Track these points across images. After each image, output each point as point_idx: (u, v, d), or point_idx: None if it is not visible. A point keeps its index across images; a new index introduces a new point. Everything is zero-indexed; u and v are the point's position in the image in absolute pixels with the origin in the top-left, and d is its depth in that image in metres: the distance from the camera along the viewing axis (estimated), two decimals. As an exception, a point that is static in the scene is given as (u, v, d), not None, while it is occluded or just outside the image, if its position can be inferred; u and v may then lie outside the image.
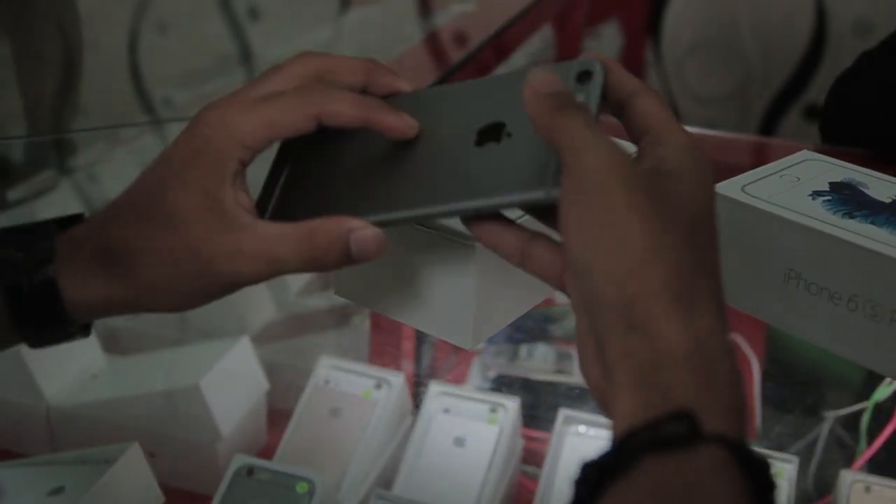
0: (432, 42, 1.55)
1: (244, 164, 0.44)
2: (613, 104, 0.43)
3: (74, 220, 0.48)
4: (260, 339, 0.91)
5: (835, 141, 0.99)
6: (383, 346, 0.92)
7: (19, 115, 1.31)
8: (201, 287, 0.44)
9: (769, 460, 0.33)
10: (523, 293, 0.55)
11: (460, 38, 1.52)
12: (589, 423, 0.80)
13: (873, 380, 0.82)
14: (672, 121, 0.41)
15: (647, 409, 0.33)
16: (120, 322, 0.97)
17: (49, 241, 0.45)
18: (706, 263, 0.36)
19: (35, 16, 1.33)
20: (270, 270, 0.44)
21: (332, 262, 0.43)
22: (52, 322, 0.45)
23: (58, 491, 0.70)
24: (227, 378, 0.83)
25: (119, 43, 2.41)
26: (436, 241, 0.49)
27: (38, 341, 0.47)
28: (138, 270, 0.44)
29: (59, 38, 1.36)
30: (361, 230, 0.43)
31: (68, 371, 0.86)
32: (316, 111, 0.43)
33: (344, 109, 0.44)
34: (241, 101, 0.44)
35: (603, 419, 0.79)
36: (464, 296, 0.49)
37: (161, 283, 0.44)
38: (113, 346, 0.94)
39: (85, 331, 0.48)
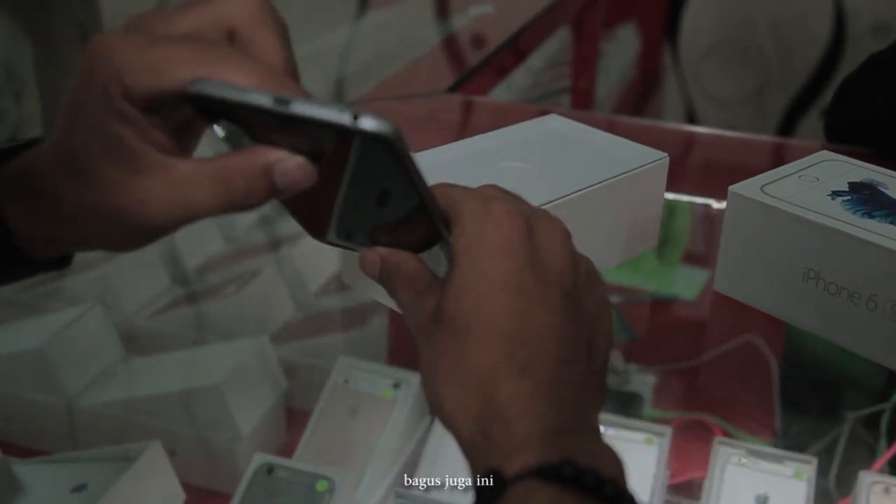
0: (449, 45, 1.56)
1: (141, 102, 0.38)
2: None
3: (23, 147, 0.44)
4: (279, 339, 0.91)
5: (838, 141, 0.99)
6: (401, 346, 0.92)
7: (38, 117, 1.33)
8: (125, 233, 0.41)
9: (574, 462, 0.36)
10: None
11: (478, 41, 1.52)
12: (607, 424, 0.80)
13: (894, 380, 0.81)
14: (451, 209, 0.43)
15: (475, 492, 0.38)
16: (140, 322, 0.98)
17: None
18: (475, 340, 0.40)
19: (56, 20, 1.34)
20: (187, 216, 0.39)
21: (256, 199, 0.40)
22: (4, 252, 0.43)
23: (80, 488, 0.71)
24: (246, 378, 0.84)
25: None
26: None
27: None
28: (68, 215, 0.41)
29: (79, 42, 1.37)
30: (283, 161, 0.39)
31: (90, 370, 0.87)
32: (206, 72, 0.38)
33: (239, 79, 0.38)
34: (132, 38, 0.39)
35: (621, 419, 0.80)
36: None
37: (90, 229, 0.41)
38: (133, 346, 0.95)
39: (59, 264, 0.46)
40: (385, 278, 0.44)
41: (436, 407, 0.41)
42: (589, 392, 0.41)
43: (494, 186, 0.45)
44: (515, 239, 0.41)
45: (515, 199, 0.44)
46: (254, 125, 0.40)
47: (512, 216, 0.41)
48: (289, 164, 0.39)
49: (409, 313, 0.43)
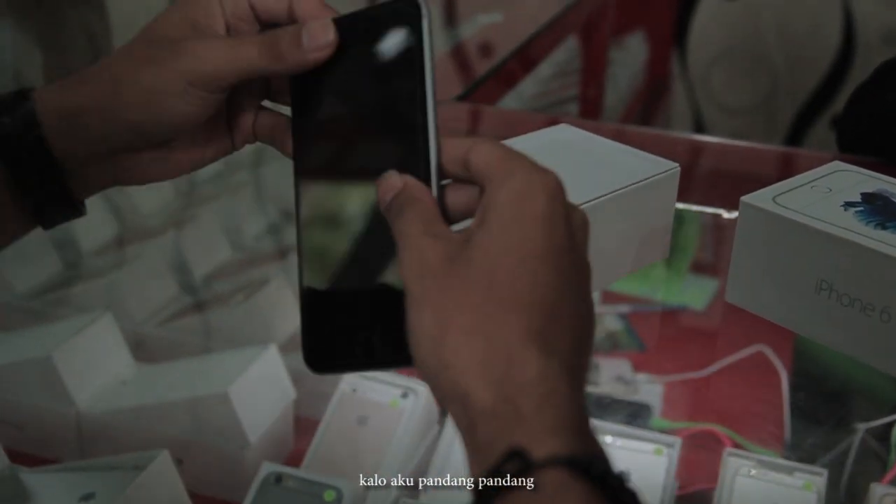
0: (458, 54, 1.56)
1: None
2: (455, 173, 0.44)
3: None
4: (287, 347, 0.91)
5: (850, 150, 0.99)
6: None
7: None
8: (183, 99, 0.46)
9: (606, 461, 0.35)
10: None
11: (486, 50, 1.52)
12: (616, 434, 0.80)
13: (905, 392, 0.81)
14: (503, 161, 0.41)
15: (482, 465, 0.36)
16: (149, 330, 0.98)
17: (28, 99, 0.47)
18: (507, 301, 0.38)
19: (66, 29, 1.35)
20: (236, 69, 0.46)
21: (289, 54, 0.46)
22: (43, 171, 0.47)
23: (88, 497, 0.71)
24: (254, 386, 0.84)
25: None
26: None
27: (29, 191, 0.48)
28: (119, 78, 0.47)
29: (88, 50, 1.37)
30: (312, 23, 0.46)
31: (98, 378, 0.87)
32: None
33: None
34: None
35: (630, 430, 0.79)
36: None
37: (151, 107, 0.46)
38: (142, 353, 0.95)
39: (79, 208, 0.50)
40: (398, 208, 0.42)
41: (439, 360, 0.38)
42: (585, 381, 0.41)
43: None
44: (562, 214, 0.40)
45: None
46: None
47: (561, 190, 0.40)
48: (315, 25, 0.46)
49: (414, 251, 0.40)
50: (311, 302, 0.46)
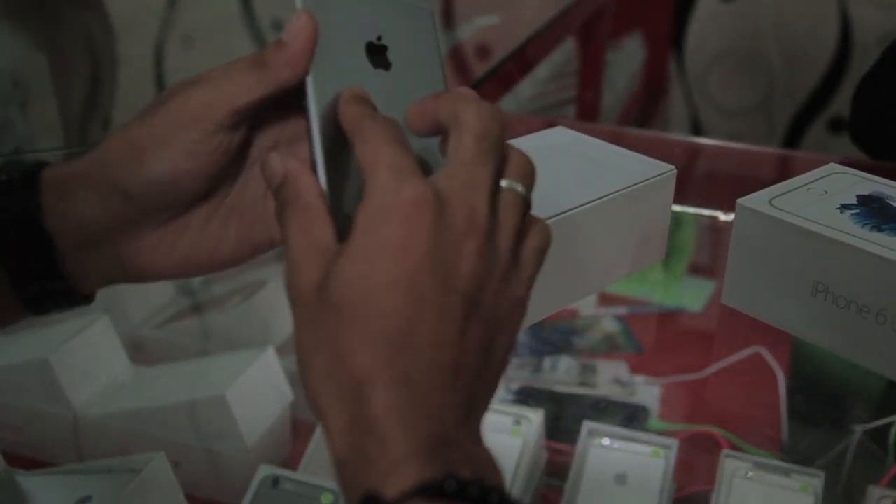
0: (455, 56, 1.56)
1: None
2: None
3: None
4: (284, 350, 0.91)
5: (864, 143, 0.98)
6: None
7: (44, 126, 1.33)
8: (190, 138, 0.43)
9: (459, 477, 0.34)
10: (541, 299, 0.55)
11: (483, 52, 1.53)
12: (613, 436, 0.80)
13: (902, 394, 0.81)
14: (371, 172, 0.38)
15: None
16: (146, 332, 0.98)
17: (33, 176, 0.44)
18: (357, 336, 0.36)
19: (66, 31, 1.35)
20: (233, 99, 0.43)
21: (273, 60, 0.42)
22: (35, 249, 0.43)
23: (85, 500, 0.70)
24: (252, 388, 0.84)
25: (146, 56, 2.44)
26: None
27: (24, 278, 0.44)
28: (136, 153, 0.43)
29: (89, 53, 1.37)
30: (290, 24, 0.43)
31: (96, 381, 0.87)
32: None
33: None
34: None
35: (627, 432, 0.79)
36: None
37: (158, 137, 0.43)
38: (139, 356, 0.95)
39: (86, 299, 0.47)
40: (281, 204, 0.40)
41: (308, 399, 0.37)
42: (478, 395, 0.39)
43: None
44: (419, 235, 0.37)
45: (446, 178, 0.38)
46: None
47: (422, 206, 0.37)
48: (292, 23, 0.42)
49: (292, 266, 0.38)
50: None
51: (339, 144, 0.42)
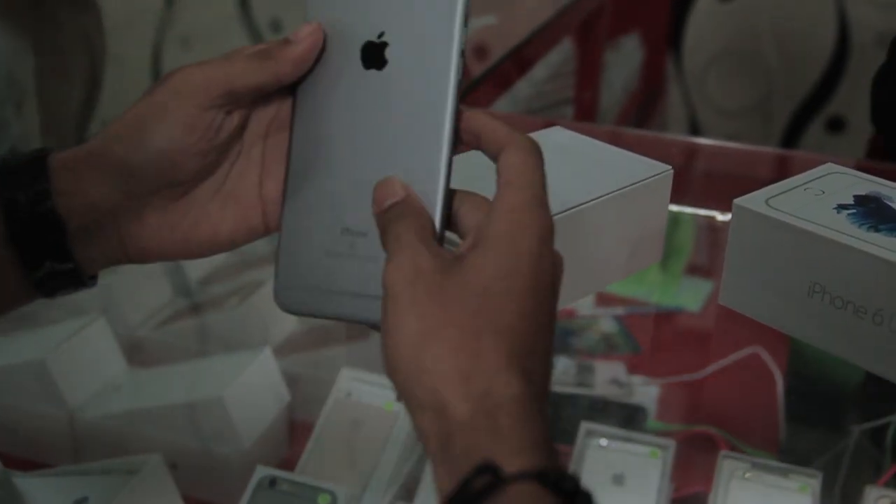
0: (453, 55, 1.56)
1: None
2: (473, 145, 0.45)
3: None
4: (282, 351, 0.91)
5: (885, 129, 0.97)
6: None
7: (51, 127, 1.33)
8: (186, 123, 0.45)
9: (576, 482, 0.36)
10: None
11: (481, 52, 1.52)
12: (611, 437, 0.80)
13: (899, 394, 0.81)
14: (518, 185, 0.42)
15: (454, 475, 0.36)
16: (143, 333, 0.98)
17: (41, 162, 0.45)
18: (494, 324, 0.39)
19: (61, 31, 1.35)
20: (229, 86, 0.45)
21: (278, 54, 0.45)
22: (47, 231, 0.44)
23: (81, 501, 0.70)
24: (249, 390, 0.84)
25: (143, 57, 2.44)
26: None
27: (35, 257, 0.45)
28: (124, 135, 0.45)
29: (84, 53, 1.37)
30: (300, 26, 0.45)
31: (92, 382, 0.87)
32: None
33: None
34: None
35: (625, 432, 0.79)
36: None
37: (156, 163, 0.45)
38: (137, 357, 0.95)
39: (92, 280, 0.48)
40: (396, 214, 0.43)
41: (418, 366, 0.38)
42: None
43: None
44: (548, 257, 0.41)
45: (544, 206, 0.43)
46: None
47: (552, 234, 0.42)
48: (301, 28, 0.45)
49: (407, 256, 0.41)
50: (291, 237, 0.47)
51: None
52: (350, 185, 0.45)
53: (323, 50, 0.46)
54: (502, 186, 0.42)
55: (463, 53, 0.44)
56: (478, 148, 0.45)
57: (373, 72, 0.45)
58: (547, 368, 0.40)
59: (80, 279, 0.47)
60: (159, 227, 0.47)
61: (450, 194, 0.44)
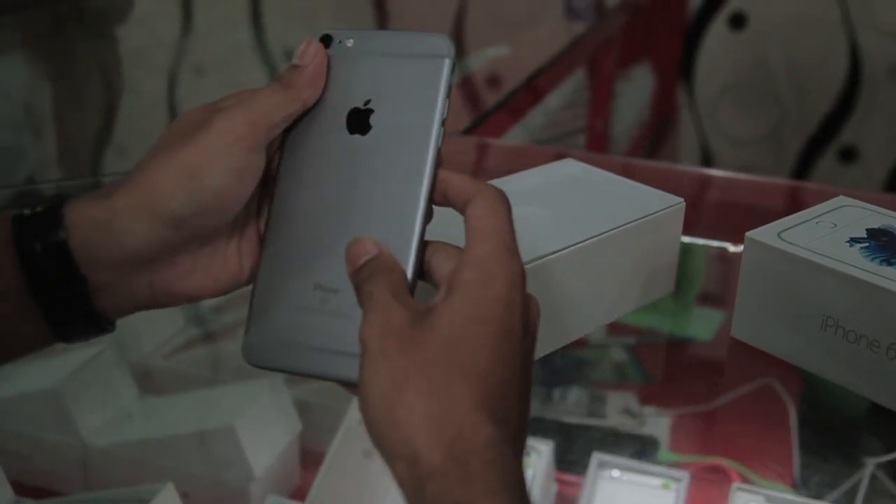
0: (465, 86, 1.57)
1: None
2: (460, 212, 0.45)
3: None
4: (293, 380, 0.91)
5: None
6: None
7: (68, 155, 1.34)
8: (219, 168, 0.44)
9: None
10: (551, 331, 0.55)
11: (494, 82, 1.53)
12: (623, 468, 0.79)
13: (914, 427, 0.80)
14: (484, 235, 0.43)
15: None
16: (155, 362, 0.98)
17: (57, 210, 0.44)
18: (465, 371, 0.39)
19: (78, 62, 1.36)
20: (258, 120, 0.45)
21: (295, 81, 0.46)
22: (68, 285, 0.44)
23: (93, 530, 0.70)
24: (260, 419, 0.83)
25: (159, 85, 2.46)
26: None
27: (58, 312, 0.45)
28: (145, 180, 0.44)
29: (101, 82, 1.39)
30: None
31: (104, 410, 0.87)
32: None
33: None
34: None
35: (637, 464, 0.79)
36: None
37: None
38: (148, 385, 0.95)
39: (111, 325, 0.47)
40: (368, 272, 0.43)
41: (390, 417, 0.39)
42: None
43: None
44: (519, 302, 0.42)
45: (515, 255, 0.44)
46: None
47: (522, 280, 0.42)
48: (302, 49, 0.47)
49: (379, 312, 0.41)
50: (264, 292, 0.47)
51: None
52: (326, 242, 0.46)
53: (312, 112, 0.47)
54: (470, 237, 0.43)
55: (444, 122, 0.45)
56: (446, 204, 0.45)
57: (357, 136, 0.46)
58: (522, 411, 0.41)
59: (101, 326, 0.46)
60: (193, 270, 0.46)
61: (422, 248, 0.44)
